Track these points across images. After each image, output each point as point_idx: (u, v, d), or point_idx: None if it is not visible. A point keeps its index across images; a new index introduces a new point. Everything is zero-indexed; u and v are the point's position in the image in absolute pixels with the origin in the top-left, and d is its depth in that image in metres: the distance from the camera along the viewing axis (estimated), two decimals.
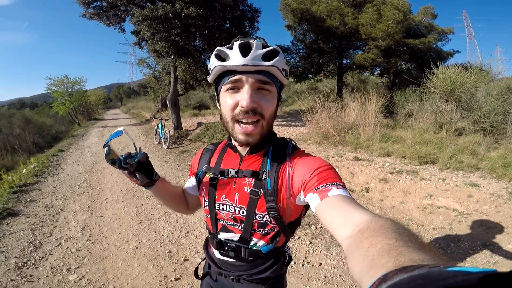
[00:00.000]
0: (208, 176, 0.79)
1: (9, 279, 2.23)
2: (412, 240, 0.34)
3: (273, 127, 0.74)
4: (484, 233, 2.35)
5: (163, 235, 2.87)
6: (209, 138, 7.21)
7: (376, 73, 10.37)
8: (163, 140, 7.65)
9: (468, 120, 4.52)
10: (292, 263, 2.22)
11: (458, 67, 5.37)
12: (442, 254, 1.93)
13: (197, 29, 7.07)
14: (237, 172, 0.73)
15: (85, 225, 3.18)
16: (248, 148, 0.74)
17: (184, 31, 6.83)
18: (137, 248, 2.65)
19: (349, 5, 8.60)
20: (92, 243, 2.80)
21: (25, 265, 2.45)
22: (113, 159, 0.72)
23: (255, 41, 0.64)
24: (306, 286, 2.03)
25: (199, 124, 9.14)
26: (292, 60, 10.28)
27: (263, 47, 0.64)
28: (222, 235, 0.80)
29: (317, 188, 0.60)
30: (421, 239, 0.35)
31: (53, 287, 2.15)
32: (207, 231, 0.87)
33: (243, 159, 0.74)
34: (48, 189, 4.57)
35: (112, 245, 2.73)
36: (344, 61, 9.90)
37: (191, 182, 0.89)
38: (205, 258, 0.92)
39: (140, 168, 0.74)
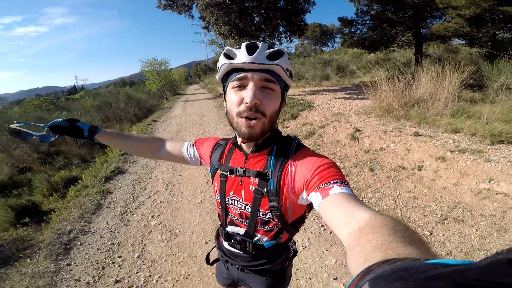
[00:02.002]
0: (219, 172, 0.84)
1: (114, 223, 2.94)
2: (405, 236, 0.35)
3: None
4: None
5: None
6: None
7: (463, 43, 8.50)
8: None
9: None
10: (321, 230, 2.45)
11: None
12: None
13: (253, 11, 7.41)
14: (244, 171, 0.76)
15: (168, 182, 3.92)
16: (252, 147, 0.76)
17: (242, 14, 7.25)
18: (201, 202, 3.25)
19: None
20: (171, 196, 3.47)
21: (125, 212, 3.16)
22: (17, 131, 0.90)
23: (261, 42, 0.69)
24: (326, 250, 2.23)
25: None
26: (359, 31, 9.35)
27: (269, 48, 0.69)
28: (230, 228, 0.87)
29: (319, 187, 0.61)
30: (417, 236, 0.37)
31: (140, 229, 2.79)
32: (219, 221, 0.95)
33: (248, 157, 0.77)
34: None
35: (184, 199, 3.37)
36: (422, 31, 8.50)
37: (190, 149, 0.97)
38: (215, 246, 1.01)
39: (67, 133, 0.93)
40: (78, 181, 4.46)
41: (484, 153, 2.84)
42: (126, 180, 4.23)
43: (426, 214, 2.50)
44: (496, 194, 2.42)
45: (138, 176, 4.35)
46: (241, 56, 0.66)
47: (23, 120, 1.03)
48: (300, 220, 0.80)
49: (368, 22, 9.22)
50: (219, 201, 0.85)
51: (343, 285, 1.88)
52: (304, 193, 0.66)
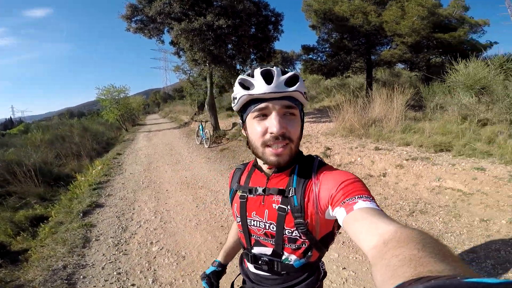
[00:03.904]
0: (238, 193, 0.83)
1: (111, 254, 2.90)
2: (435, 251, 0.34)
3: (304, 123, 0.79)
4: (482, 210, 2.74)
5: (215, 214, 3.60)
6: (244, 137, 7.93)
7: (404, 67, 10.31)
8: (204, 140, 8.54)
9: (493, 112, 4.67)
10: None
11: (479, 62, 5.43)
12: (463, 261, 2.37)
13: (228, 38, 7.74)
14: (264, 190, 0.76)
15: (156, 211, 3.93)
16: (274, 168, 0.75)
17: (217, 41, 7.56)
18: (198, 225, 3.35)
19: (372, 3, 8.71)
20: (164, 223, 3.52)
21: (119, 243, 3.13)
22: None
23: (274, 68, 0.68)
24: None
25: (234, 124, 9.96)
26: (319, 58, 10.59)
27: (283, 73, 0.69)
28: (256, 250, 0.83)
29: (343, 202, 0.60)
30: (447, 250, 0.35)
31: (143, 256, 2.80)
32: (241, 247, 0.91)
33: (270, 178, 0.77)
34: (118, 185, 5.41)
35: (179, 223, 3.44)
36: (372, 57, 9.97)
37: None
38: (239, 274, 0.96)
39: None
40: (48, 219, 4.19)
41: (431, 159, 3.61)
42: (107, 213, 4.10)
43: (398, 210, 3.08)
44: (446, 189, 3.12)
45: (120, 208, 4.25)
46: (259, 85, 0.66)
47: None
48: (330, 237, 0.79)
49: (327, 49, 10.38)
50: (240, 223, 0.83)
51: (353, 272, 2.22)
52: (330, 208, 0.65)
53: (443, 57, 9.17)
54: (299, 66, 16.40)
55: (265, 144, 0.69)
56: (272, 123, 0.66)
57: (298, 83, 0.68)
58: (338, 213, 0.60)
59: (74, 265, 2.73)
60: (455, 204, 2.93)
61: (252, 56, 9.45)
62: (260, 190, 0.77)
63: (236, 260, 1.08)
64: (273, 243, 0.78)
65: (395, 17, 7.58)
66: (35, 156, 8.49)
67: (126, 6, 8.01)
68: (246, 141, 0.76)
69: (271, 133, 0.66)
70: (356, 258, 2.44)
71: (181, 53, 9.45)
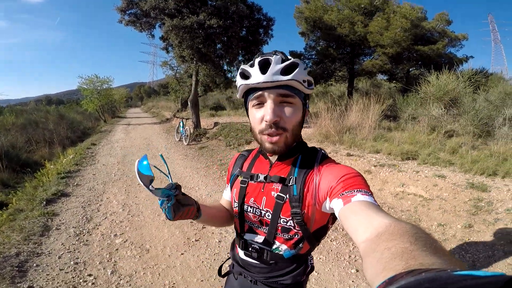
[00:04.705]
0: (239, 179, 0.84)
1: (71, 243, 2.83)
2: (427, 244, 0.34)
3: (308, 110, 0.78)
4: (440, 215, 2.92)
5: None
6: (225, 137, 7.84)
7: (384, 78, 10.71)
8: (183, 137, 8.43)
9: (458, 123, 4.98)
10: None
11: (450, 75, 5.80)
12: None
13: (218, 38, 7.80)
14: (265, 178, 0.77)
15: (124, 203, 3.85)
16: (277, 155, 0.77)
17: (207, 40, 7.60)
18: (166, 219, 3.34)
19: (361, 13, 8.99)
20: (131, 216, 3.45)
21: (81, 233, 3.05)
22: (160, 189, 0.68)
23: (273, 56, 0.67)
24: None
25: (215, 123, 9.88)
26: (305, 65, 10.85)
27: (282, 61, 0.67)
28: (248, 236, 0.84)
29: (342, 194, 0.61)
30: (438, 244, 0.36)
31: (104, 248, 2.74)
32: (235, 232, 0.92)
33: (273, 165, 0.78)
34: (89, 176, 5.29)
35: (147, 218, 3.38)
36: (355, 67, 10.29)
37: (229, 190, 0.93)
38: (229, 258, 0.97)
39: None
40: (8, 206, 3.97)
41: (397, 166, 3.79)
42: (73, 203, 3.97)
43: None
44: (408, 194, 3.29)
45: (87, 198, 4.14)
46: (255, 75, 0.67)
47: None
48: (323, 231, 0.79)
49: (314, 57, 10.63)
50: (237, 209, 0.84)
51: (316, 272, 2.27)
52: (328, 200, 0.66)
53: (422, 70, 9.64)
54: None
55: (262, 132, 0.70)
56: (267, 111, 0.67)
57: (295, 72, 0.67)
58: (335, 204, 0.61)
59: (28, 252, 2.62)
60: (416, 209, 3.09)
61: (240, 58, 9.54)
62: (261, 177, 0.78)
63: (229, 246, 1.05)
64: (266, 231, 0.78)
65: (380, 28, 7.87)
66: (3, 139, 8.05)
67: None
68: (249, 128, 0.78)
69: (265, 121, 0.68)
70: (320, 258, 2.50)
71: (169, 48, 9.43)
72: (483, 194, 2.88)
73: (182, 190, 0.76)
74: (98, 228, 3.18)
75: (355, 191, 0.60)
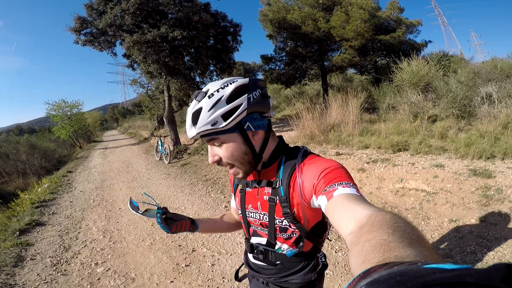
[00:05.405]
0: (239, 187, 0.90)
1: (47, 274, 2.65)
2: (405, 235, 0.35)
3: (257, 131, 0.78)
4: (449, 210, 2.66)
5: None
6: (207, 151, 7.52)
7: (355, 72, 10.79)
8: (164, 156, 8.03)
9: (439, 107, 4.90)
10: None
11: (420, 60, 5.80)
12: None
13: (184, 50, 7.55)
14: (258, 183, 0.82)
15: (105, 230, 3.60)
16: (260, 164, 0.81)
17: (173, 53, 7.31)
18: (152, 244, 3.03)
19: (320, 9, 9.05)
20: (113, 243, 3.20)
21: (59, 262, 2.87)
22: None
23: (194, 101, 0.69)
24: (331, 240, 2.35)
25: (196, 138, 9.48)
26: (277, 68, 10.72)
27: (194, 113, 0.69)
28: (254, 240, 0.89)
29: (325, 190, 0.62)
30: (416, 234, 0.36)
31: (85, 277, 2.55)
32: (244, 237, 0.97)
33: (260, 173, 0.83)
34: (66, 203, 5.05)
35: (130, 244, 3.13)
36: (325, 63, 10.33)
37: (233, 198, 1.01)
38: (243, 263, 1.01)
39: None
40: None
41: (391, 160, 3.57)
42: (49, 232, 3.74)
43: None
44: (409, 190, 3.05)
45: (64, 227, 3.88)
46: (188, 130, 0.73)
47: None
48: (321, 226, 0.80)
49: (284, 58, 10.53)
50: (241, 215, 0.90)
51: None
52: (314, 197, 0.67)
53: (388, 59, 9.80)
54: (260, 77, 16.52)
55: None
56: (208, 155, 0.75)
57: (198, 123, 0.68)
58: (321, 201, 0.62)
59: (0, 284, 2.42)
60: (422, 206, 2.85)
61: (211, 68, 9.29)
62: (255, 182, 0.82)
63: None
64: (267, 233, 0.82)
65: (341, 21, 7.89)
66: None
67: (74, 19, 7.46)
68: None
69: None
70: (326, 274, 2.23)
71: (135, 65, 9.11)
72: (489, 181, 2.68)
73: (170, 210, 0.91)
74: (77, 257, 2.96)
75: (336, 184, 0.61)
